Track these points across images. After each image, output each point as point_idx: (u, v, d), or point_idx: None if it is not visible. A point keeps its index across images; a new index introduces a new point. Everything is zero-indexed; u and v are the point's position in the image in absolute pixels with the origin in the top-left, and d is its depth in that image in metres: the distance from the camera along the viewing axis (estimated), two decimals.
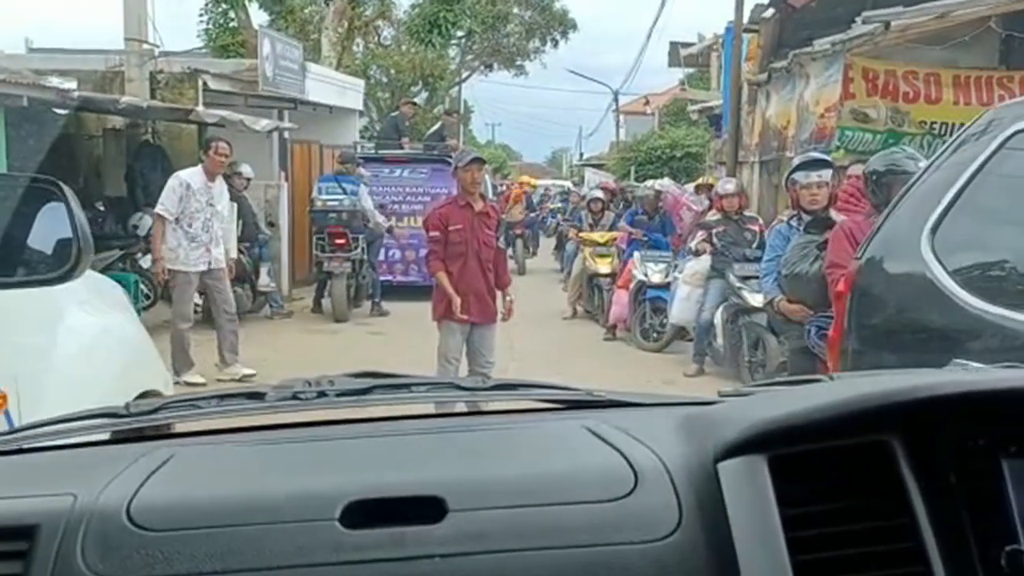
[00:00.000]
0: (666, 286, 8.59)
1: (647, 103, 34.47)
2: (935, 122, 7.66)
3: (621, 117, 35.66)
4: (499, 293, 5.87)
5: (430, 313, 5.96)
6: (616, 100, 35.94)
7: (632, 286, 9.08)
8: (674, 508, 0.97)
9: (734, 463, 0.98)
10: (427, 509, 0.96)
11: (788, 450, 0.98)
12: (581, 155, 47.32)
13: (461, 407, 1.55)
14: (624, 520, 0.96)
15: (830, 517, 0.94)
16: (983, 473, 0.96)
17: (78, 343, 2.37)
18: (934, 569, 0.92)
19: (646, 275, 8.81)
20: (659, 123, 29.45)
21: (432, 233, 5.71)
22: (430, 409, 1.46)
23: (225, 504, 0.99)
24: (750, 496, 0.95)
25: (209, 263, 7.39)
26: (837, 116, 7.51)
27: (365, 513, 0.96)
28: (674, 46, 23.82)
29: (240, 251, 9.90)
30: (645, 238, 9.50)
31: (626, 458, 1.04)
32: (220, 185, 7.64)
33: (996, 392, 1.00)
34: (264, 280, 10.48)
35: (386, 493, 0.98)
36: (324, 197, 10.98)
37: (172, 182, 7.32)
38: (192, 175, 7.41)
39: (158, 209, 7.29)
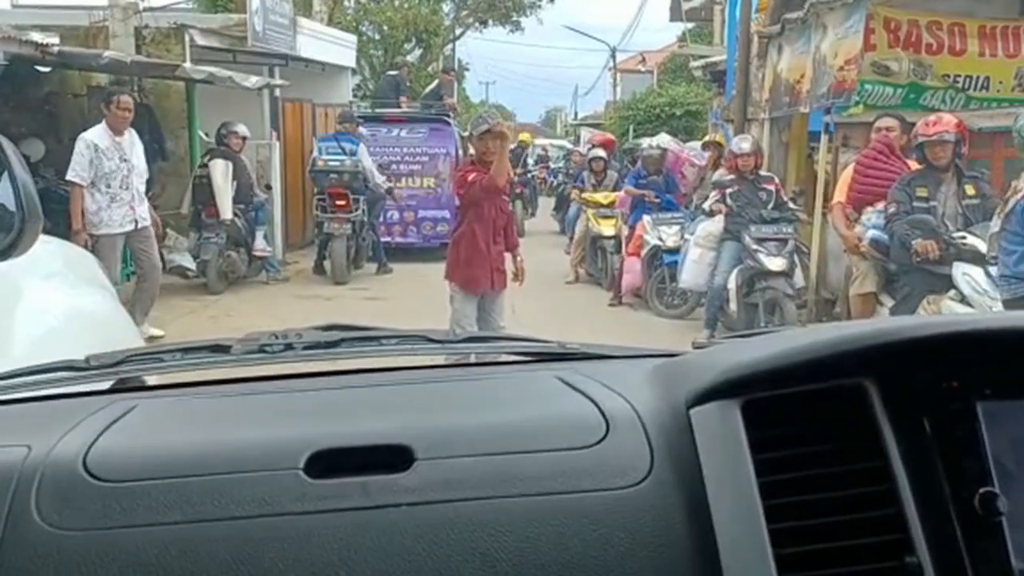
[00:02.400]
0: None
1: (643, 61, 33.92)
2: (959, 75, 7.28)
3: (617, 75, 35.06)
4: (509, 255, 5.68)
5: (429, 274, 5.74)
6: (614, 57, 35.31)
7: (645, 252, 8.67)
8: (646, 455, 0.97)
9: (706, 409, 0.98)
10: (394, 458, 0.95)
11: (761, 395, 0.97)
12: (576, 114, 46.69)
13: (432, 359, 1.49)
14: (595, 467, 0.95)
15: (803, 461, 0.93)
16: (957, 416, 0.95)
17: (45, 326, 2.06)
18: (906, 511, 0.91)
19: (661, 240, 8.41)
20: (657, 81, 28.96)
21: (460, 192, 5.58)
22: (400, 362, 1.42)
23: (186, 454, 0.97)
24: (722, 441, 0.94)
25: (135, 222, 7.07)
26: (858, 69, 7.15)
27: (330, 462, 0.94)
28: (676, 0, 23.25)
29: (235, 214, 9.59)
30: (657, 199, 9.11)
31: (598, 406, 1.04)
32: (131, 139, 7.23)
33: (970, 334, 0.97)
34: (260, 244, 10.15)
35: (352, 442, 0.97)
36: (325, 157, 10.67)
37: (79, 145, 6.94)
38: (97, 134, 7.01)
39: (70, 176, 6.91)
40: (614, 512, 0.92)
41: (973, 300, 4.66)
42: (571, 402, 1.09)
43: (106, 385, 1.28)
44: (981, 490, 0.91)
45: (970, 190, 5.11)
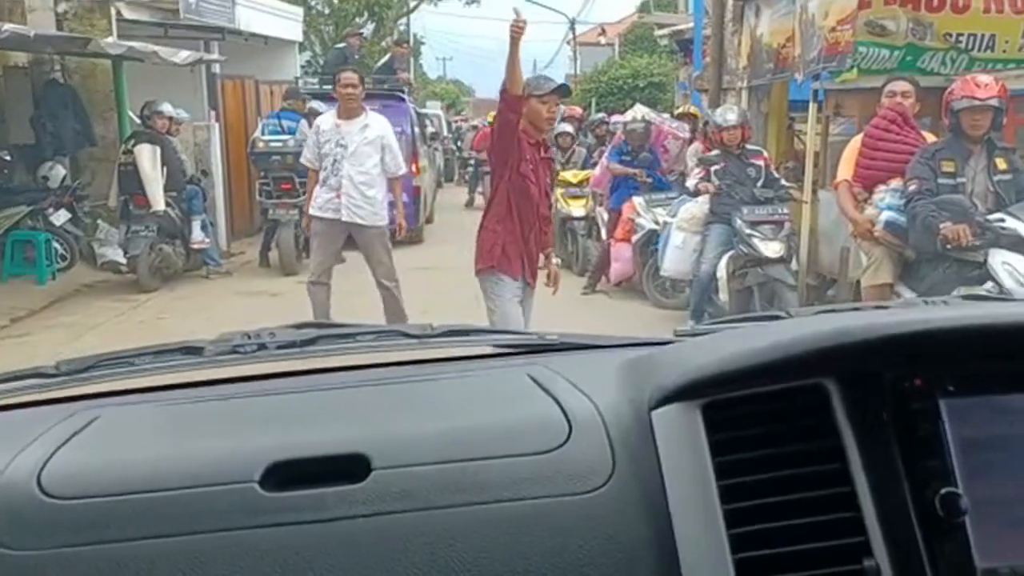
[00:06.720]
0: None
1: (603, 32, 33.27)
2: (961, 34, 6.63)
3: (576, 48, 34.32)
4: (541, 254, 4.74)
5: (410, 267, 4.79)
6: (573, 29, 34.50)
7: (637, 237, 7.85)
8: (607, 458, 0.96)
9: (668, 411, 0.98)
10: (351, 467, 0.94)
11: (722, 396, 0.98)
12: None
13: (407, 355, 1.41)
14: (556, 472, 0.95)
15: (764, 463, 0.94)
16: (919, 414, 0.94)
17: None
18: (865, 514, 0.91)
19: (657, 223, 7.56)
20: (618, 52, 28.33)
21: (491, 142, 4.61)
22: (373, 359, 1.37)
23: (142, 469, 0.96)
24: (683, 445, 0.95)
25: (339, 212, 6.17)
26: (852, 30, 6.47)
27: (287, 474, 0.94)
28: None
29: (168, 203, 8.72)
30: (648, 179, 8.34)
31: (562, 408, 1.04)
32: (363, 123, 6.33)
33: (930, 332, 0.96)
34: (198, 235, 9.24)
35: (310, 452, 0.97)
36: (266, 138, 9.80)
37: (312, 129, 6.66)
38: (325, 116, 6.61)
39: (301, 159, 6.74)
40: (573, 519, 0.91)
41: (1016, 293, 3.99)
42: (536, 403, 1.07)
43: (76, 391, 1.24)
44: (943, 490, 0.90)
45: (1001, 164, 4.44)
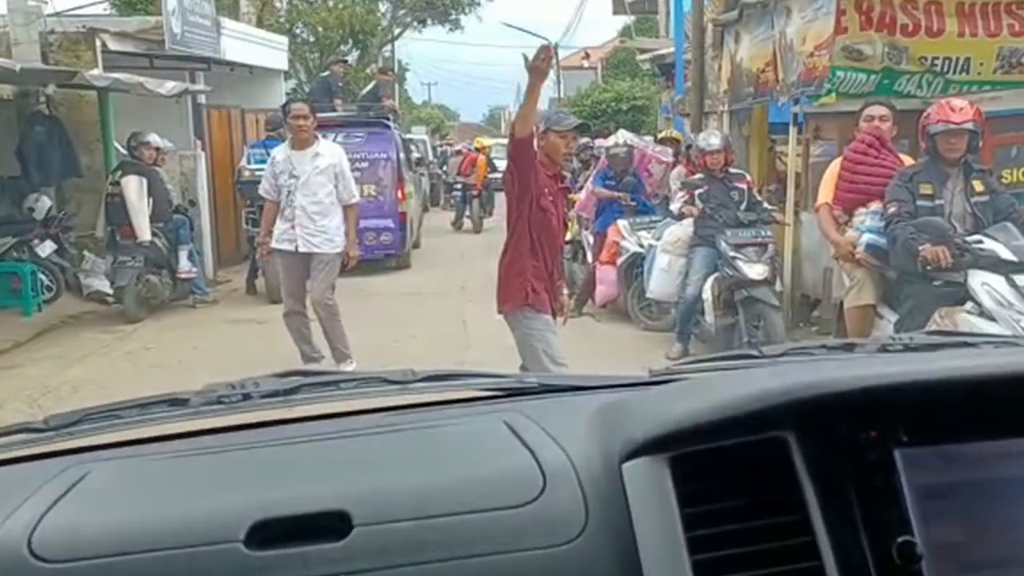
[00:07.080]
0: None
1: (587, 56, 33.56)
2: (936, 57, 6.74)
3: (560, 72, 34.56)
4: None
5: (374, 288, 4.76)
6: (556, 54, 34.77)
7: (622, 260, 7.90)
8: (580, 510, 0.99)
9: (637, 464, 1.01)
10: (333, 524, 0.97)
11: (688, 449, 1.01)
12: None
13: (388, 401, 1.43)
14: (531, 526, 0.98)
15: (729, 515, 0.97)
16: (876, 465, 0.98)
17: None
18: (825, 565, 0.94)
19: (641, 246, 7.64)
20: (601, 76, 28.58)
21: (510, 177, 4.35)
22: (355, 405, 1.40)
23: (132, 529, 0.98)
24: (652, 497, 0.98)
25: (294, 243, 6.21)
26: (829, 55, 6.57)
27: (271, 532, 0.96)
28: None
29: (154, 234, 8.73)
30: (633, 202, 8.39)
31: (537, 460, 1.06)
32: (315, 152, 6.32)
33: (881, 388, 1.01)
34: (184, 265, 9.25)
35: (293, 510, 0.99)
36: (252, 167, 9.84)
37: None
38: (280, 147, 6.60)
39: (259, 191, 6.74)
40: (549, 571, 0.94)
41: (996, 313, 4.06)
42: (512, 455, 1.09)
43: (65, 445, 1.26)
44: (899, 539, 0.94)
45: (978, 186, 4.52)
